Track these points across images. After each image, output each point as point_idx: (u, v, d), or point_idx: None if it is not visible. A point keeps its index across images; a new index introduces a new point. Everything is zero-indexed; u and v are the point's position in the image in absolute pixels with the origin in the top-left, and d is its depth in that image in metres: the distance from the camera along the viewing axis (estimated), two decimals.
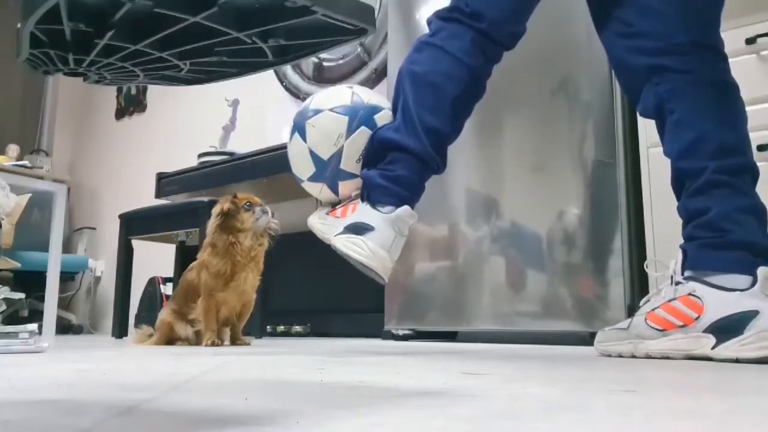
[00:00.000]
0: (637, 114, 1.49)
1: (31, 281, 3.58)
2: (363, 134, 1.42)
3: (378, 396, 0.68)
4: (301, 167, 1.49)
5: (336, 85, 3.63)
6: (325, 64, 3.75)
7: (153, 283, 3.54)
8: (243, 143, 3.68)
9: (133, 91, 5.02)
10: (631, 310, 1.63)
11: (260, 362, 1.23)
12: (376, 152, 1.40)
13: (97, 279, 4.89)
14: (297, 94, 3.83)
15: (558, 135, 2.14)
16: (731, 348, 1.14)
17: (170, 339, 2.07)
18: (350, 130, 1.42)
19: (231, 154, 3.49)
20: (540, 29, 1.72)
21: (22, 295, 1.92)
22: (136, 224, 3.13)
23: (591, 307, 1.99)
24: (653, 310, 1.29)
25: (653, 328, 1.27)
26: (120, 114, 5.11)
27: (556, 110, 2.15)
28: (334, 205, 1.49)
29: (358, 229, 1.35)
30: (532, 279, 2.14)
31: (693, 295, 1.22)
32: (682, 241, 1.30)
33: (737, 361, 1.12)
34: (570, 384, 0.80)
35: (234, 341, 2.08)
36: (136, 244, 3.16)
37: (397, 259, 1.40)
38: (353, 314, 3.11)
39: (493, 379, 0.86)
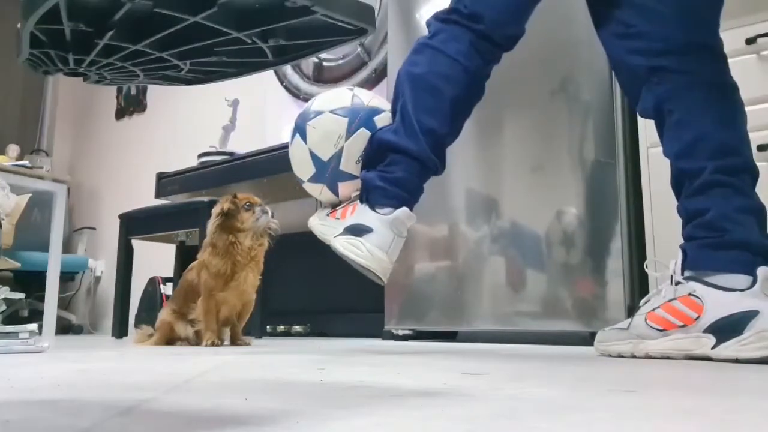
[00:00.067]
0: (637, 114, 1.49)
1: (31, 281, 3.58)
2: (362, 136, 1.43)
3: (378, 396, 0.68)
4: (302, 168, 1.50)
5: (336, 85, 3.66)
6: (325, 64, 3.75)
7: (153, 283, 3.54)
8: (243, 143, 3.68)
9: (133, 91, 5.02)
10: (631, 310, 1.63)
11: (260, 362, 1.23)
12: (375, 154, 1.41)
13: (97, 279, 4.89)
14: (297, 94, 3.83)
15: (558, 135, 2.14)
16: (731, 348, 1.14)
17: (170, 339, 2.07)
18: (350, 131, 1.43)
19: (231, 154, 3.49)
20: (540, 29, 1.72)
21: (22, 295, 1.91)
22: (136, 224, 3.13)
23: (591, 307, 1.99)
24: (653, 310, 1.29)
25: (653, 328, 1.27)
26: (120, 114, 5.11)
27: (556, 110, 2.15)
28: (334, 206, 1.51)
29: (357, 230, 1.36)
30: (532, 279, 2.14)
31: (693, 295, 1.22)
32: (681, 241, 1.31)
33: (737, 361, 1.12)
34: (570, 384, 0.80)
35: (234, 341, 2.08)
36: (136, 244, 3.16)
37: (397, 259, 1.41)
38: (353, 314, 3.11)
39: (493, 379, 0.86)
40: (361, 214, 1.39)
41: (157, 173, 3.68)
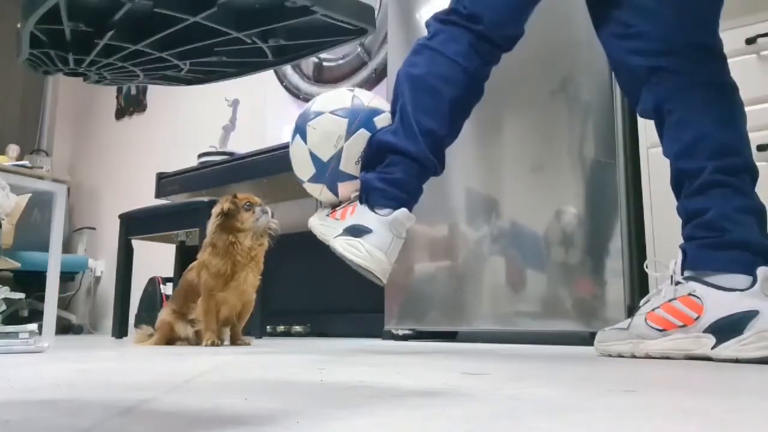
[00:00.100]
0: (637, 114, 1.49)
1: (31, 281, 3.58)
2: (362, 137, 1.44)
3: (378, 396, 0.68)
4: (302, 168, 1.51)
5: (336, 85, 3.66)
6: (325, 64, 3.75)
7: (153, 283, 3.54)
8: (243, 143, 3.68)
9: (133, 91, 5.02)
10: (631, 310, 1.63)
11: (260, 362, 1.23)
12: (375, 155, 1.41)
13: (97, 279, 4.89)
14: (297, 94, 3.83)
15: (558, 135, 2.14)
16: (731, 348, 1.14)
17: (170, 339, 2.07)
18: (349, 132, 1.43)
19: (231, 154, 3.49)
20: (540, 29, 1.72)
21: (22, 295, 1.91)
22: (136, 224, 3.13)
23: (591, 307, 1.99)
24: (653, 310, 1.29)
25: (653, 328, 1.27)
26: (120, 114, 5.11)
27: (556, 110, 2.15)
28: (334, 207, 1.51)
29: (357, 231, 1.36)
30: (532, 279, 2.14)
31: (693, 295, 1.22)
32: (681, 241, 1.31)
33: (737, 361, 1.12)
34: (570, 384, 0.80)
35: (234, 341, 2.08)
36: (136, 244, 3.16)
37: (397, 259, 1.41)
38: (353, 314, 3.11)
39: (493, 379, 0.86)
40: (361, 214, 1.39)
41: (157, 173, 3.68)
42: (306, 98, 3.68)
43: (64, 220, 2.08)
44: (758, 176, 1.28)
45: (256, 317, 2.53)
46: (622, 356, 1.32)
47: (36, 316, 3.47)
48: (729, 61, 1.35)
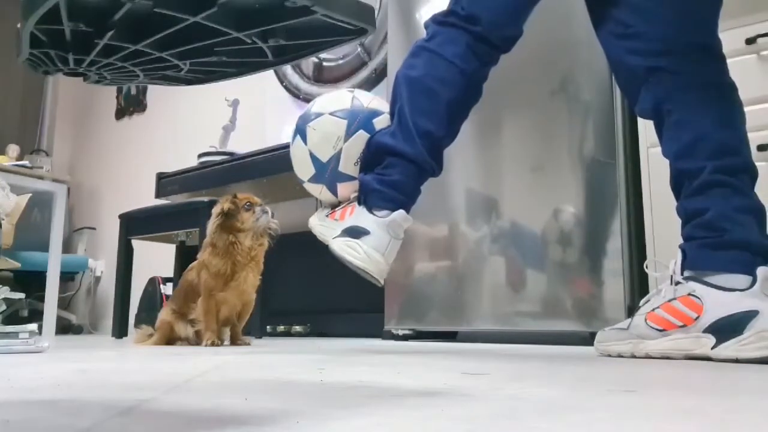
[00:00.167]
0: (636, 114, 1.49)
1: (31, 281, 3.58)
2: (361, 138, 1.45)
3: (378, 396, 0.68)
4: (302, 169, 1.52)
5: (336, 85, 3.66)
6: (325, 64, 3.75)
7: (153, 283, 3.54)
8: (243, 143, 3.68)
9: (133, 91, 5.02)
10: (631, 310, 1.63)
11: (260, 362, 1.23)
12: (373, 157, 1.43)
13: (97, 279, 4.89)
14: (297, 94, 3.83)
15: (558, 135, 2.14)
16: (731, 348, 1.14)
17: (170, 339, 2.07)
18: (348, 133, 1.45)
19: (231, 154, 3.49)
20: (540, 29, 1.72)
21: (22, 295, 1.91)
22: (136, 224, 3.13)
23: (591, 307, 1.99)
24: (653, 310, 1.29)
25: (653, 328, 1.27)
26: (120, 114, 5.11)
27: (556, 110, 2.15)
28: (333, 207, 1.52)
29: (355, 232, 1.37)
30: (531, 279, 2.14)
31: (693, 295, 1.22)
32: (681, 241, 1.31)
33: (737, 361, 1.12)
34: (570, 384, 0.80)
35: (234, 341, 2.08)
36: (136, 244, 3.16)
37: (397, 259, 1.42)
38: (353, 314, 3.11)
39: (493, 379, 0.86)
40: (359, 216, 1.40)
41: (157, 173, 3.68)
42: (306, 98, 3.68)
43: (64, 220, 2.08)
44: (757, 176, 1.28)
45: (256, 317, 2.53)
46: (622, 356, 1.32)
47: (36, 316, 3.47)
48: (729, 61, 1.35)
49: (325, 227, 1.49)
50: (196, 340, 2.04)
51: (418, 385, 0.79)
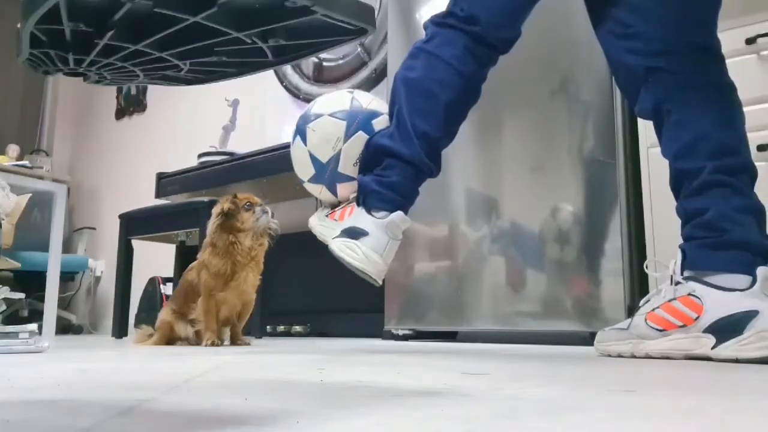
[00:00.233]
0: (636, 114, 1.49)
1: (31, 281, 3.58)
2: (360, 139, 1.46)
3: (378, 396, 0.68)
4: (302, 169, 1.53)
5: (336, 85, 3.66)
6: (325, 64, 3.75)
7: (153, 283, 3.54)
8: (243, 143, 3.68)
9: (133, 91, 5.02)
10: (631, 310, 1.63)
11: (260, 362, 1.23)
12: (372, 158, 1.44)
13: (97, 279, 4.89)
14: (297, 94, 3.83)
15: (558, 135, 2.14)
16: (731, 348, 1.14)
17: (170, 339, 2.07)
18: (348, 134, 1.46)
19: (231, 154, 3.49)
20: (540, 29, 1.72)
21: (22, 295, 1.91)
22: (136, 224, 3.13)
23: (591, 307, 1.99)
24: (653, 310, 1.29)
25: (653, 328, 1.27)
26: (120, 114, 5.11)
27: (556, 110, 2.15)
28: (333, 207, 1.54)
29: (354, 233, 1.38)
30: (531, 279, 2.14)
31: (693, 295, 1.22)
32: (681, 241, 1.31)
33: (737, 361, 1.12)
34: (570, 384, 0.80)
35: (234, 341, 2.08)
36: (136, 244, 3.16)
37: (398, 259, 1.43)
38: (353, 314, 3.11)
39: (493, 379, 0.86)
40: (358, 216, 1.41)
41: (157, 173, 3.68)
42: (306, 98, 3.68)
43: (64, 220, 2.08)
44: (757, 176, 1.28)
45: (256, 317, 2.53)
46: (622, 356, 1.32)
47: (36, 316, 3.47)
48: (729, 61, 1.35)
49: (324, 227, 1.50)
50: (196, 340, 2.04)
51: (418, 385, 0.79)
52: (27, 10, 0.64)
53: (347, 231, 1.40)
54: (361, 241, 1.37)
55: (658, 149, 1.38)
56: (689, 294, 1.23)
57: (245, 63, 0.83)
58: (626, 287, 1.94)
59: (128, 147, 4.96)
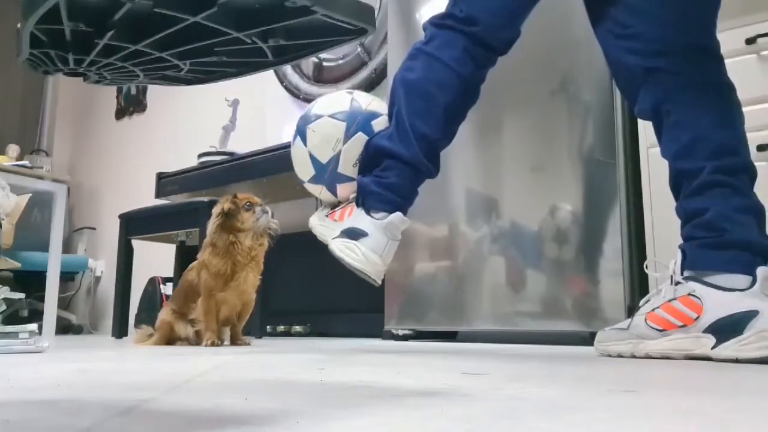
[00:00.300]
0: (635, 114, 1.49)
1: (31, 281, 3.58)
2: (359, 140, 1.47)
3: (378, 396, 0.68)
4: (302, 169, 1.54)
5: (336, 85, 3.66)
6: (325, 64, 3.74)
7: (153, 283, 3.54)
8: (243, 143, 3.68)
9: (133, 91, 5.02)
10: (631, 310, 1.63)
11: (260, 362, 1.23)
12: (371, 159, 1.44)
13: (97, 279, 4.89)
14: (297, 94, 3.83)
15: (558, 135, 2.14)
16: (731, 348, 1.14)
17: (170, 339, 2.07)
18: (347, 136, 1.47)
19: (231, 154, 3.49)
20: (540, 29, 1.72)
21: (22, 295, 1.91)
22: (136, 224, 3.13)
23: (591, 307, 1.99)
24: (653, 310, 1.29)
25: (653, 328, 1.27)
26: (120, 114, 5.11)
27: (556, 110, 2.15)
28: (333, 207, 1.54)
29: (353, 234, 1.39)
30: (531, 279, 2.14)
31: (692, 295, 1.22)
32: (681, 241, 1.31)
33: (737, 361, 1.12)
34: (570, 384, 0.80)
35: (234, 341, 2.08)
36: (136, 244, 3.16)
37: (398, 259, 1.43)
38: (353, 314, 3.11)
39: (493, 379, 0.86)
40: (357, 217, 1.42)
41: (157, 173, 3.68)
42: (306, 98, 3.68)
43: (64, 220, 2.07)
44: (756, 176, 1.28)
45: (256, 317, 2.53)
46: (622, 356, 1.32)
47: (36, 316, 3.47)
48: (728, 61, 1.35)
49: (324, 227, 1.51)
50: (196, 340, 2.04)
51: (418, 385, 0.79)
52: (27, 10, 0.64)
53: (347, 231, 1.41)
54: (361, 241, 1.38)
55: (658, 149, 1.38)
56: (689, 294, 1.23)
57: (245, 63, 0.83)
58: (626, 287, 1.94)
59: (128, 147, 4.96)
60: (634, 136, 2.03)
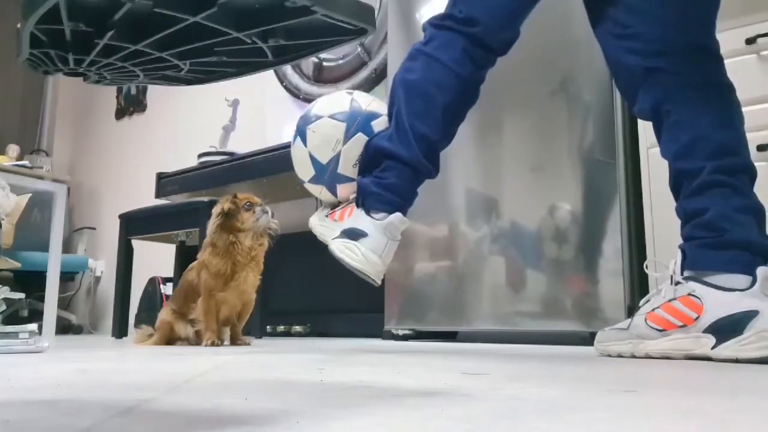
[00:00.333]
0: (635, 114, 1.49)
1: (31, 281, 3.58)
2: (359, 141, 1.48)
3: (378, 396, 0.68)
4: (303, 170, 1.55)
5: (336, 85, 3.66)
6: (325, 64, 3.74)
7: (153, 283, 3.54)
8: (243, 143, 3.68)
9: (133, 91, 5.02)
10: (631, 310, 1.63)
11: (260, 362, 1.23)
12: (371, 159, 1.45)
13: (97, 279, 4.89)
14: (297, 94, 3.83)
15: (558, 135, 2.14)
16: (731, 348, 1.14)
17: (170, 339, 2.07)
18: (347, 136, 1.47)
19: (231, 154, 3.49)
20: (540, 29, 1.72)
21: (22, 295, 1.91)
22: (136, 224, 3.13)
23: (591, 307, 1.99)
24: (653, 310, 1.29)
25: (653, 328, 1.27)
26: (120, 114, 5.11)
27: (556, 110, 2.15)
28: (333, 207, 1.54)
29: (353, 234, 1.40)
30: (531, 279, 2.14)
31: (692, 295, 1.22)
32: (681, 241, 1.31)
33: (737, 361, 1.12)
34: (570, 384, 0.80)
35: (234, 341, 2.08)
36: (136, 244, 3.16)
37: (398, 259, 1.44)
38: (353, 314, 3.11)
39: (493, 379, 0.86)
40: (357, 218, 1.42)
41: (157, 173, 3.68)
42: (306, 98, 3.68)
43: (64, 220, 2.07)
44: (756, 176, 1.28)
45: (256, 317, 2.53)
46: (622, 356, 1.32)
47: (36, 316, 3.47)
48: (729, 61, 1.35)
49: (324, 227, 1.52)
50: (196, 340, 2.04)
51: (418, 385, 0.79)
52: (27, 10, 0.64)
53: (347, 232, 1.41)
54: (360, 242, 1.38)
55: (658, 149, 1.38)
56: (689, 294, 1.23)
57: (245, 63, 0.83)
58: (626, 287, 1.94)
59: (128, 147, 4.96)
60: (634, 136, 2.03)
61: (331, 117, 1.49)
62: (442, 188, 2.32)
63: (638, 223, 1.98)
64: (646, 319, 1.29)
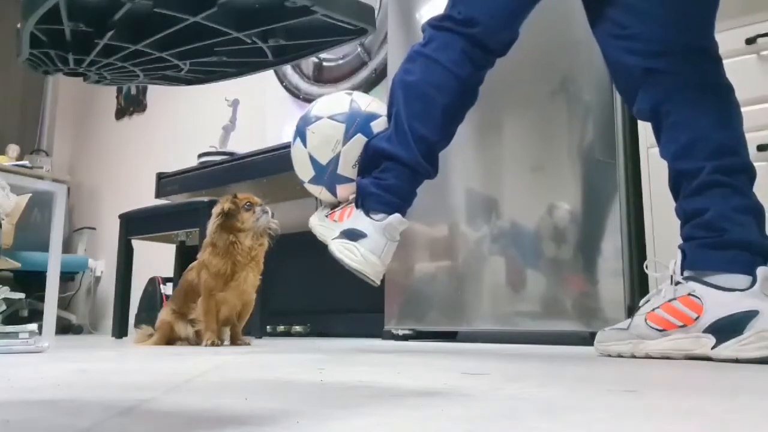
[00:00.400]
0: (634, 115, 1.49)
1: (31, 281, 3.58)
2: (359, 141, 1.48)
3: (378, 396, 0.68)
4: (302, 170, 1.55)
5: (336, 85, 3.66)
6: (325, 64, 3.74)
7: (153, 283, 3.54)
8: (243, 143, 3.68)
9: (133, 91, 5.02)
10: (631, 310, 1.63)
11: (260, 362, 1.23)
12: (370, 160, 1.45)
13: (97, 279, 4.89)
14: (297, 94, 3.83)
15: (558, 135, 2.14)
16: (731, 348, 1.14)
17: (170, 339, 2.07)
18: (347, 137, 1.48)
19: (231, 154, 3.49)
20: (540, 29, 1.72)
21: (22, 295, 1.91)
22: (136, 224, 3.13)
23: (591, 307, 1.99)
24: (653, 310, 1.29)
25: (653, 328, 1.27)
26: (120, 114, 5.11)
27: (556, 110, 2.15)
28: (333, 207, 1.55)
29: (353, 235, 1.40)
30: (531, 279, 2.14)
31: (692, 295, 1.22)
32: (681, 241, 1.31)
33: (737, 361, 1.12)
34: (570, 384, 0.80)
35: (234, 341, 2.08)
36: (136, 244, 3.16)
37: (398, 259, 1.44)
38: (353, 314, 3.11)
39: (493, 379, 0.86)
40: (357, 218, 1.43)
41: (157, 173, 3.68)
42: (306, 98, 3.68)
43: (64, 220, 2.07)
44: (756, 176, 1.28)
45: (256, 317, 2.53)
46: (622, 356, 1.32)
47: (36, 316, 3.47)
48: (729, 61, 1.35)
49: (324, 228, 1.52)
50: (196, 340, 2.04)
51: (418, 385, 0.79)
52: (27, 10, 0.64)
53: (346, 232, 1.41)
54: (360, 242, 1.38)
55: (658, 149, 1.38)
56: (689, 294, 1.23)
57: (245, 63, 0.83)
58: (626, 287, 1.94)
59: (128, 147, 4.96)
60: (634, 136, 2.03)
61: (331, 118, 1.50)
62: (442, 188, 2.32)
63: (638, 223, 1.98)
64: (646, 319, 1.29)
